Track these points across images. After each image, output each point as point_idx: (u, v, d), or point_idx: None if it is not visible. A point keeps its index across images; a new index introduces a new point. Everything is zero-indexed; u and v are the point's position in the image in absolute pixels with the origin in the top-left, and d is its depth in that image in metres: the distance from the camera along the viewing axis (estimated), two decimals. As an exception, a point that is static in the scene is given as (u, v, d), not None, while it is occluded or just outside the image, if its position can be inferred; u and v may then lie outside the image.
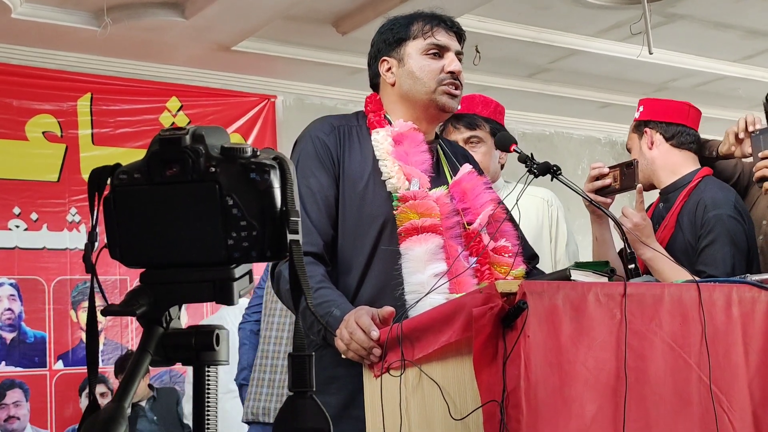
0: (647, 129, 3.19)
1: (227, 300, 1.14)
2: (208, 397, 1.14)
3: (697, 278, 2.72)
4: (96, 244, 1.16)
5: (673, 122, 3.19)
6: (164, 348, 1.14)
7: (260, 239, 1.12)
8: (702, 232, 3.01)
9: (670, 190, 3.17)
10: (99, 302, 1.20)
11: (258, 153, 1.14)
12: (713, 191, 3.10)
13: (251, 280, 1.18)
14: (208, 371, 1.15)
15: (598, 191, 2.99)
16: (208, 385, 1.15)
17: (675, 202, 3.11)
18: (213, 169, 1.12)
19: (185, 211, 1.13)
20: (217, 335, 1.15)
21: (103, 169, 1.15)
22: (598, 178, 2.99)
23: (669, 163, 3.18)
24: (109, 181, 1.15)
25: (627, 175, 2.93)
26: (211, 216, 1.12)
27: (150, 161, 1.14)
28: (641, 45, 6.36)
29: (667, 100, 3.28)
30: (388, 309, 2.21)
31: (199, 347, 1.15)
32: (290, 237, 1.12)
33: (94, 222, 1.15)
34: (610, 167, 3.00)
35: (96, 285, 1.16)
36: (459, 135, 3.32)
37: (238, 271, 1.15)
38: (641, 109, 3.23)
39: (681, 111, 3.23)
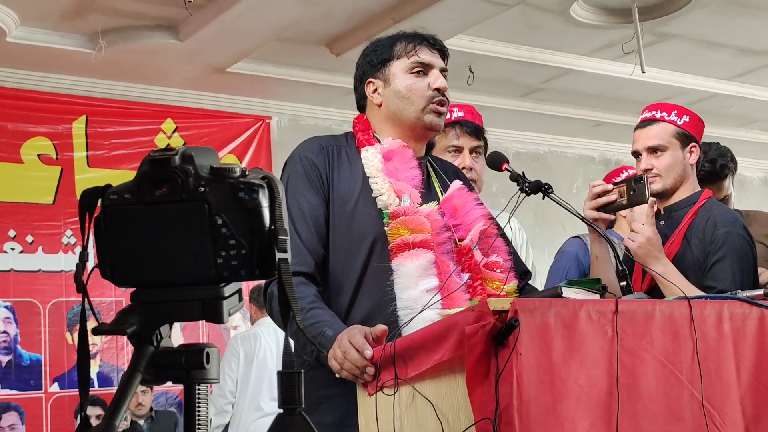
0: (695, 145, 3.21)
1: (217, 318, 1.15)
2: (199, 415, 1.15)
3: (699, 292, 2.76)
4: (87, 263, 1.17)
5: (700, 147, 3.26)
6: (155, 367, 1.15)
7: (249, 258, 1.13)
8: (712, 248, 3.03)
9: (675, 208, 3.18)
10: (92, 323, 1.21)
11: (247, 173, 1.15)
12: (722, 210, 3.17)
13: (241, 299, 1.19)
14: (199, 389, 1.16)
15: (602, 208, 2.98)
16: (199, 402, 1.15)
17: (682, 220, 3.12)
18: (202, 189, 1.13)
19: (175, 231, 1.14)
20: (207, 354, 1.16)
21: (93, 190, 1.16)
22: (600, 195, 2.99)
23: (691, 184, 3.21)
24: (99, 202, 1.16)
25: (637, 190, 2.92)
26: (201, 235, 1.13)
27: (140, 181, 1.15)
28: (634, 64, 6.39)
29: (702, 121, 3.29)
30: (381, 327, 2.21)
31: (190, 366, 1.15)
32: (279, 255, 1.13)
33: (85, 242, 1.16)
34: (614, 183, 3.00)
35: (88, 305, 1.16)
36: (466, 141, 3.32)
37: (228, 289, 1.16)
38: (686, 118, 3.21)
39: (701, 135, 3.29)
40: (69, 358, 6.53)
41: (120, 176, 6.78)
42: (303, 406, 1.13)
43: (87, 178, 6.78)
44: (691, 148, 3.20)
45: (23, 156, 6.61)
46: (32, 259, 6.54)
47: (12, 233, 6.49)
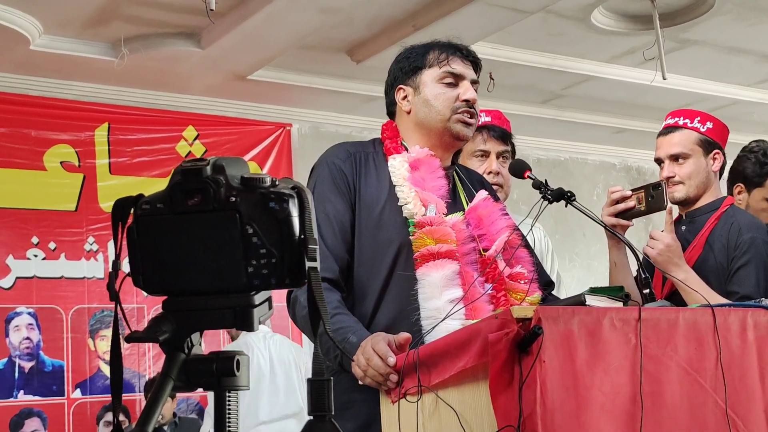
0: (718, 152, 3.20)
1: (247, 326, 1.16)
2: (229, 422, 1.16)
3: (721, 298, 2.75)
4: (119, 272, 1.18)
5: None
6: (186, 374, 1.16)
7: (279, 266, 1.15)
8: (736, 254, 3.01)
9: (697, 214, 3.17)
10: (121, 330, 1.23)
11: (277, 182, 1.17)
12: (746, 216, 3.16)
13: (270, 307, 1.20)
14: (229, 396, 1.17)
15: (620, 214, 2.98)
16: (229, 409, 1.17)
17: (704, 225, 3.11)
18: (233, 199, 1.15)
19: (206, 240, 1.16)
20: (238, 361, 1.17)
21: (126, 200, 1.18)
22: (618, 201, 2.98)
23: (715, 189, 3.20)
24: (132, 211, 1.18)
25: (655, 196, 2.92)
26: (232, 244, 1.15)
27: (172, 191, 1.17)
28: (655, 70, 6.38)
29: (726, 127, 3.28)
30: (404, 335, 2.21)
31: (220, 373, 1.17)
32: (308, 264, 1.15)
33: (117, 251, 1.17)
34: (632, 189, 3.00)
35: (120, 313, 1.18)
36: (493, 145, 3.32)
37: (258, 297, 1.18)
38: (709, 125, 3.19)
39: (726, 141, 3.27)
40: (91, 364, 6.57)
41: (142, 183, 6.83)
42: (333, 413, 1.14)
43: (109, 185, 6.82)
44: (714, 155, 3.18)
45: (46, 163, 6.66)
46: (55, 265, 6.58)
47: (35, 240, 6.53)
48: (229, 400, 1.16)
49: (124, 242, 1.17)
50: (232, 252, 1.15)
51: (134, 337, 1.13)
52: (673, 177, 3.15)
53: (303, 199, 1.16)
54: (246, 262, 1.15)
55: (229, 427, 1.15)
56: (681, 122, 3.20)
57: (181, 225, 1.16)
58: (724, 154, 3.23)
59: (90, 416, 6.46)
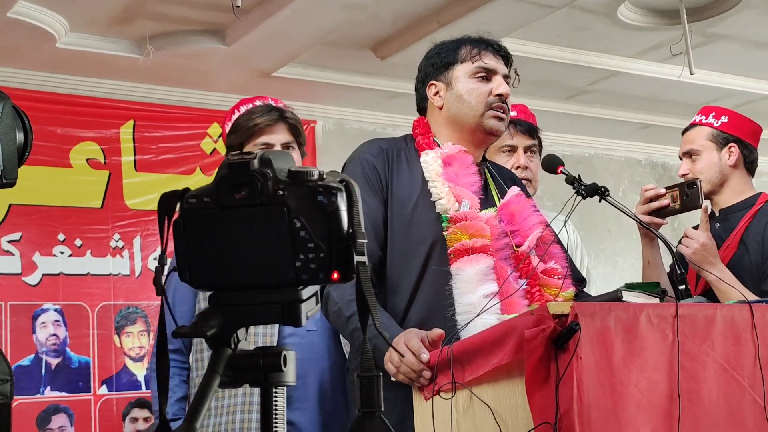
0: (733, 145, 3.17)
1: (295, 321, 1.15)
2: (276, 417, 1.15)
3: (755, 298, 2.73)
4: (165, 267, 1.18)
5: (753, 146, 3.20)
6: (233, 369, 1.16)
7: (327, 261, 1.14)
8: None
9: (730, 211, 3.15)
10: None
11: (324, 176, 1.16)
12: None
13: (318, 302, 1.19)
14: (276, 392, 1.16)
15: (654, 212, 2.97)
16: (276, 405, 1.16)
17: (738, 223, 3.10)
18: (281, 192, 1.14)
19: (254, 234, 1.15)
20: (285, 356, 1.16)
21: (172, 194, 1.17)
22: (652, 199, 2.97)
23: (739, 185, 3.18)
24: (178, 206, 1.17)
25: (690, 194, 2.91)
26: (280, 238, 1.14)
27: (219, 185, 1.16)
28: (682, 66, 6.33)
29: (749, 120, 3.25)
30: (437, 331, 2.20)
31: (267, 368, 1.16)
32: (357, 258, 1.14)
33: (164, 246, 1.16)
34: (666, 188, 2.99)
35: (168, 308, 1.17)
36: (520, 140, 3.31)
37: (306, 292, 1.17)
38: (724, 119, 3.18)
39: (757, 135, 3.24)
40: (117, 360, 6.59)
41: (167, 180, 6.84)
42: (382, 409, 1.13)
43: (135, 182, 6.83)
44: (729, 148, 3.16)
45: (72, 161, 6.67)
46: (81, 262, 6.59)
47: (61, 237, 6.55)
48: (275, 396, 1.16)
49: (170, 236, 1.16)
50: (279, 246, 1.14)
51: (181, 333, 1.12)
52: (687, 174, 3.15)
53: (351, 193, 1.15)
54: (294, 257, 1.14)
55: (275, 423, 1.14)
56: (698, 119, 3.21)
57: (228, 219, 1.16)
58: (745, 148, 3.19)
59: (116, 412, 6.48)
